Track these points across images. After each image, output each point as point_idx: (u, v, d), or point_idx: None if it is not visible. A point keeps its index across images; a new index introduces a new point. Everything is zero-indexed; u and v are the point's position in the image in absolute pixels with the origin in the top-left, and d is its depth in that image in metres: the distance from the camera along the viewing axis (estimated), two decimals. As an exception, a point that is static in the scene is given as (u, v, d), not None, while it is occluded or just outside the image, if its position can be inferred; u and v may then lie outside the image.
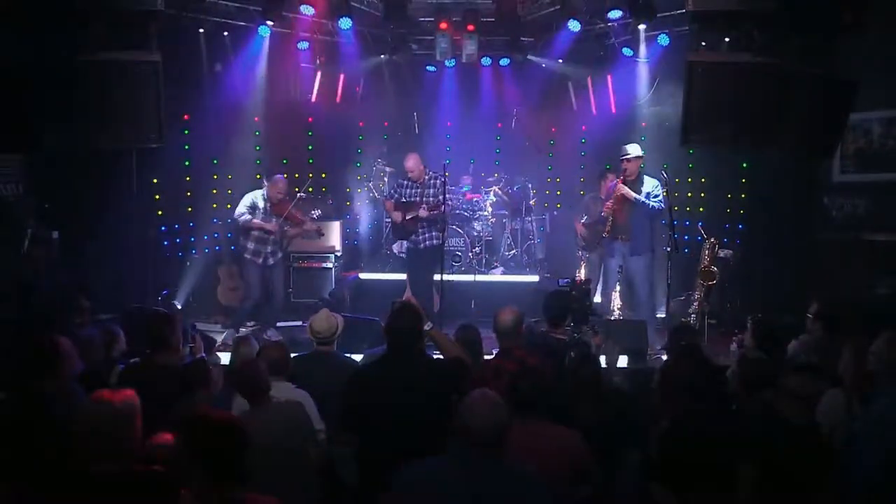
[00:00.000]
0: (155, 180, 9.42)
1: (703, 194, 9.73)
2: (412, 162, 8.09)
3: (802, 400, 3.78)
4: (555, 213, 10.56)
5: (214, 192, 9.84)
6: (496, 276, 9.54)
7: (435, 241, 8.10)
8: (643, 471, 3.72)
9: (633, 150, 7.36)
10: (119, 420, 2.93)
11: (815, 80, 5.82)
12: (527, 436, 3.35)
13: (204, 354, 5.27)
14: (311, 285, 9.59)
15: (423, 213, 7.92)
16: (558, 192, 11.01)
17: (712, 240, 7.66)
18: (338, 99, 10.42)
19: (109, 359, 5.30)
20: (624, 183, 7.31)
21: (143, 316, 6.47)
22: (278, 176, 8.05)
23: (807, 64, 5.93)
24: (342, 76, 10.41)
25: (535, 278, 9.41)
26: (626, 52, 9.55)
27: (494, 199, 9.93)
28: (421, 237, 8.15)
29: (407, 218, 8.07)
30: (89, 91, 5.57)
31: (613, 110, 10.34)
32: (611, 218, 7.33)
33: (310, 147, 10.55)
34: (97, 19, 5.62)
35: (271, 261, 8.05)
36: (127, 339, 5.59)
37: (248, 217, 7.86)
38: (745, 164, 9.31)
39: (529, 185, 10.09)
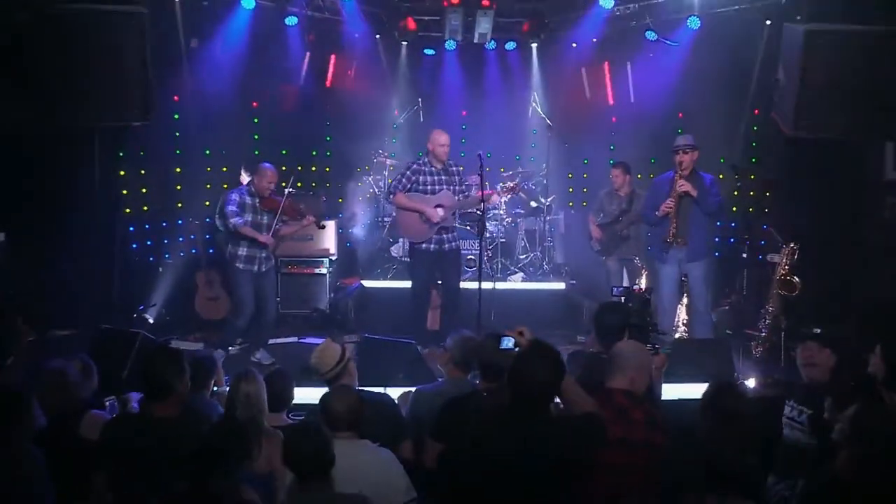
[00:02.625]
0: (122, 172, 8.09)
1: (735, 192, 8.82)
2: (447, 137, 6.82)
3: None
4: (571, 211, 9.53)
5: (179, 187, 8.57)
6: (517, 284, 8.45)
7: (456, 243, 7.03)
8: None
9: (689, 140, 6.38)
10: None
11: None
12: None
13: (227, 387, 3.98)
14: (303, 294, 8.39)
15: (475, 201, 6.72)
16: (570, 189, 10.00)
17: (792, 245, 6.67)
18: (328, 82, 9.30)
19: (78, 400, 4.05)
20: (680, 178, 6.32)
21: (120, 343, 5.24)
22: (265, 165, 6.71)
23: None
24: (333, 57, 9.29)
25: (561, 285, 8.35)
26: (650, 35, 8.72)
27: (509, 197, 8.83)
28: (447, 236, 6.93)
29: (441, 213, 6.74)
30: (55, 52, 4.28)
31: (632, 99, 9.44)
32: (674, 221, 6.33)
33: (327, 138, 9.44)
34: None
35: (265, 267, 6.77)
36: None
37: (241, 220, 6.54)
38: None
39: (546, 181, 9.02)
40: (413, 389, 4.62)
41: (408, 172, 6.87)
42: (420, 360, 5.28)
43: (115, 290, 7.70)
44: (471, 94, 9.65)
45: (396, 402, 4.64)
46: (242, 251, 6.60)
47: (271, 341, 7.42)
